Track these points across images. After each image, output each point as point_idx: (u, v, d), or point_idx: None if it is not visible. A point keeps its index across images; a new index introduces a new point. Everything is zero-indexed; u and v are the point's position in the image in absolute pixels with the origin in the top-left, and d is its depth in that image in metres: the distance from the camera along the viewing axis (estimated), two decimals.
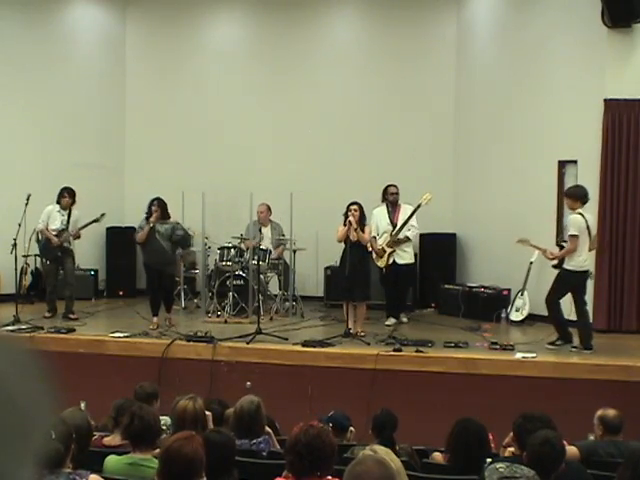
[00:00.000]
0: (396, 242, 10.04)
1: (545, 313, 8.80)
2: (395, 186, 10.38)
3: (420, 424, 7.14)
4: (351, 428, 5.61)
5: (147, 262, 9.76)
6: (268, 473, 3.91)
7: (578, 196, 8.31)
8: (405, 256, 10.15)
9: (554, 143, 10.20)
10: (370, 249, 9.71)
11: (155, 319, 9.58)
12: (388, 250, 10.05)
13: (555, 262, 8.43)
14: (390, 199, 10.32)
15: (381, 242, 10.07)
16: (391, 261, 10.07)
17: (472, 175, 11.64)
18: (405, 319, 10.40)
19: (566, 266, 8.27)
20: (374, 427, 5.45)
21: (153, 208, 9.53)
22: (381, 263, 10.09)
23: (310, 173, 12.00)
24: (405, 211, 10.18)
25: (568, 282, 8.32)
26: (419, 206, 10.00)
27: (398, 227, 10.08)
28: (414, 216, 10.05)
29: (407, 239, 10.10)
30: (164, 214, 9.57)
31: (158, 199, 9.62)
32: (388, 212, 10.25)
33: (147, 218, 9.60)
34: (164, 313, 9.77)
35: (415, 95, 12.01)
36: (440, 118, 11.91)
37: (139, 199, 10.22)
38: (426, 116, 11.94)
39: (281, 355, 8.38)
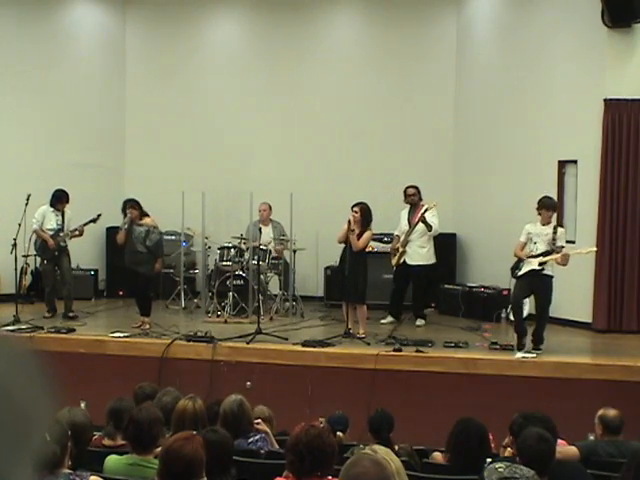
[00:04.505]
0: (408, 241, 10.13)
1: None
2: (412, 187, 10.30)
3: (420, 424, 7.15)
4: (339, 434, 5.57)
5: (125, 263, 9.57)
6: (268, 473, 3.91)
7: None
8: (415, 257, 10.14)
9: (554, 143, 10.20)
10: (370, 249, 9.74)
11: (145, 319, 9.52)
12: (401, 249, 10.12)
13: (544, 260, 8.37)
14: (407, 201, 10.31)
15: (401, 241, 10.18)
16: (402, 261, 10.13)
17: (472, 175, 11.65)
18: (421, 322, 10.26)
19: (551, 273, 8.37)
20: (370, 428, 5.45)
21: (127, 211, 9.39)
22: (392, 262, 10.24)
23: (310, 173, 12.00)
24: (422, 211, 10.18)
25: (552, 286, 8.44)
26: (426, 210, 10.03)
27: (410, 228, 10.13)
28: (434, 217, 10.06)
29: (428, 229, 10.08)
30: (140, 214, 9.41)
31: (132, 200, 9.50)
32: (409, 213, 10.28)
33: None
34: (160, 313, 9.74)
35: (415, 95, 12.01)
36: (440, 118, 11.91)
37: (139, 199, 10.20)
38: (426, 116, 11.94)
39: (281, 355, 8.38)
